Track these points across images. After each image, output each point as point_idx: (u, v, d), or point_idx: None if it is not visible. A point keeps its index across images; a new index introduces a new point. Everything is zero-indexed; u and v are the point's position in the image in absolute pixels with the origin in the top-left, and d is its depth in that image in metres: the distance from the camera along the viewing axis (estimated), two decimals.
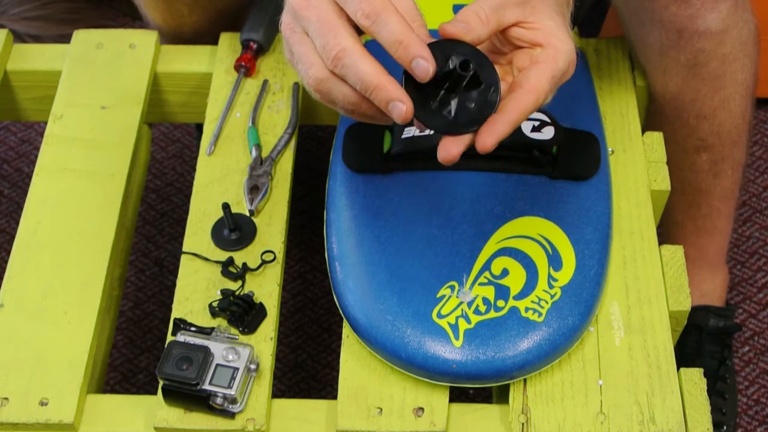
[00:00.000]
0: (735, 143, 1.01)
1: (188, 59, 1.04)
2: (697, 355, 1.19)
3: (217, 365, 0.76)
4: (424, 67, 0.60)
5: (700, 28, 0.88)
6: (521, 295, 0.78)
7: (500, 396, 0.83)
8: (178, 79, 1.04)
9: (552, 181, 0.85)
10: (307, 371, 1.27)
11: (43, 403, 0.79)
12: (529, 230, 0.81)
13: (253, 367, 0.77)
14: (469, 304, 0.77)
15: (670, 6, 0.86)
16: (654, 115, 1.00)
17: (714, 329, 1.20)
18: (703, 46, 0.89)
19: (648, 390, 0.77)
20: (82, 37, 1.04)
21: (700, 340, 1.20)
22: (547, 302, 0.78)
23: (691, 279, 0.86)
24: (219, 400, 0.75)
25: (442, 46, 0.63)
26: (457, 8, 0.98)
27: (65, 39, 1.05)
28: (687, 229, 1.11)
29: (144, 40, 1.04)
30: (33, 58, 1.05)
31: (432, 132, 0.86)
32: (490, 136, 0.63)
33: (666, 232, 1.14)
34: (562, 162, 0.85)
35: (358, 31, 0.64)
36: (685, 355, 0.86)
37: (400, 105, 0.61)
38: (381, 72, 0.61)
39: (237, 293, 0.83)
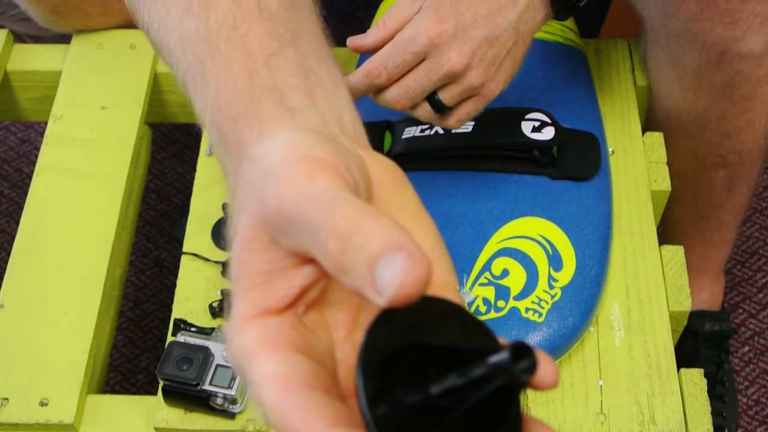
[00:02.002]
0: (754, 162, 1.01)
1: None
2: (694, 359, 1.19)
3: (218, 366, 0.76)
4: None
5: (743, 50, 0.86)
6: (521, 295, 0.78)
7: None
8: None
9: (552, 181, 0.85)
10: None
11: (43, 404, 0.79)
12: (530, 231, 0.81)
13: None
14: (470, 305, 0.77)
15: (716, 28, 0.84)
16: (675, 130, 0.98)
17: (710, 333, 1.20)
18: (741, 68, 0.88)
19: (648, 390, 0.77)
20: (82, 37, 1.04)
21: (697, 345, 1.20)
22: (547, 303, 0.78)
23: (691, 287, 0.85)
24: (219, 401, 0.75)
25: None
26: None
27: (65, 39, 1.05)
28: (694, 240, 1.11)
29: (144, 40, 1.03)
30: (33, 58, 1.05)
31: (433, 132, 0.86)
32: None
33: (671, 241, 1.13)
34: (562, 162, 0.85)
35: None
36: (682, 361, 0.86)
37: None
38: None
39: None
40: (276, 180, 0.37)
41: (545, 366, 0.36)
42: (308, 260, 0.37)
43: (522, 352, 0.32)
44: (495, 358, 0.33)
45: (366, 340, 0.34)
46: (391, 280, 0.33)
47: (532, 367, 0.33)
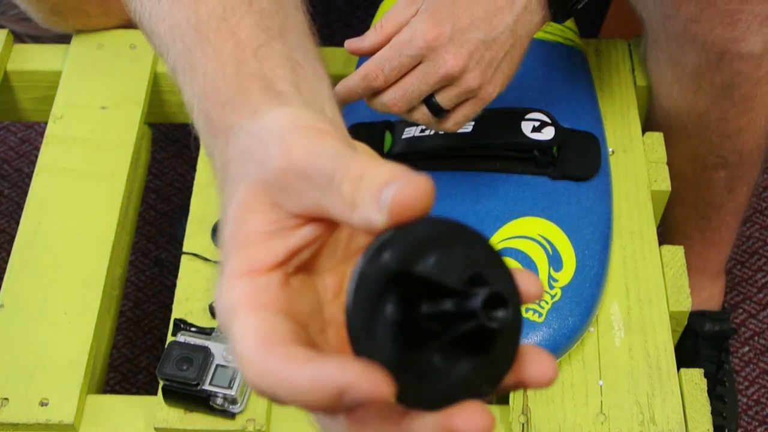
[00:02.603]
0: (755, 162, 1.01)
1: None
2: (694, 360, 1.19)
3: (218, 365, 0.76)
4: (360, 392, 0.33)
5: (742, 50, 0.86)
6: None
7: (500, 396, 0.83)
8: None
9: (552, 181, 0.85)
10: None
11: (43, 404, 0.79)
12: (530, 231, 0.81)
13: None
14: None
15: (716, 29, 0.85)
16: (675, 130, 0.98)
17: (710, 333, 1.20)
18: (741, 68, 0.88)
19: (648, 390, 0.77)
20: (82, 37, 1.04)
21: (697, 345, 1.20)
22: (547, 302, 0.78)
23: (692, 288, 0.85)
24: (219, 401, 0.75)
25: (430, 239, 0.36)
26: None
27: (65, 39, 1.05)
28: (694, 240, 1.11)
29: (144, 40, 1.03)
30: (33, 58, 1.05)
31: (433, 132, 0.86)
32: None
33: (671, 242, 1.13)
34: (562, 162, 0.85)
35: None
36: (682, 361, 0.86)
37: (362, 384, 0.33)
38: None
39: None
40: (280, 144, 0.38)
41: (543, 363, 0.37)
42: (307, 221, 0.38)
43: (498, 301, 0.33)
44: (468, 303, 0.33)
45: (362, 259, 0.35)
46: (390, 193, 0.34)
47: (505, 319, 0.33)
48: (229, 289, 0.37)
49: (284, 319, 0.37)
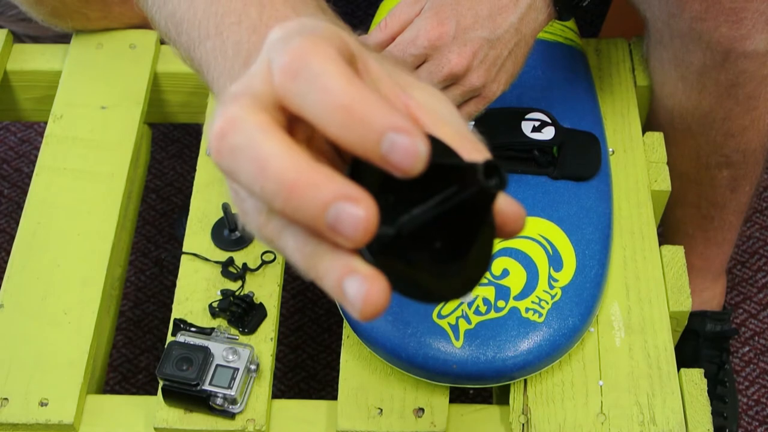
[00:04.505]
0: (758, 161, 1.00)
1: None
2: (695, 360, 1.19)
3: (217, 366, 0.76)
4: (408, 146, 0.34)
5: (747, 49, 0.86)
6: (522, 295, 0.78)
7: (500, 396, 0.83)
8: (178, 79, 1.04)
9: (552, 181, 0.85)
10: (307, 371, 1.27)
11: (43, 404, 0.79)
12: (530, 230, 0.81)
13: (253, 367, 0.77)
14: (470, 305, 0.77)
15: (721, 27, 0.84)
16: (678, 130, 0.98)
17: (711, 334, 1.20)
18: (746, 67, 0.88)
19: (648, 390, 0.77)
20: (82, 37, 1.04)
21: (698, 345, 1.20)
22: (547, 302, 0.78)
23: (693, 288, 0.85)
24: (219, 401, 0.75)
25: None
26: None
27: (65, 39, 1.05)
28: (696, 240, 1.11)
29: (144, 40, 1.04)
30: (33, 58, 1.05)
31: None
32: None
33: (673, 242, 1.13)
34: (562, 162, 0.85)
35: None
36: (682, 361, 0.86)
37: (352, 209, 0.33)
38: (300, 158, 0.34)
39: (237, 293, 0.83)
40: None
41: (510, 204, 0.39)
42: None
43: (492, 170, 0.35)
44: (467, 173, 0.35)
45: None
46: None
47: (502, 183, 0.35)
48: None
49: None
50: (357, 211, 0.33)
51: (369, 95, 0.34)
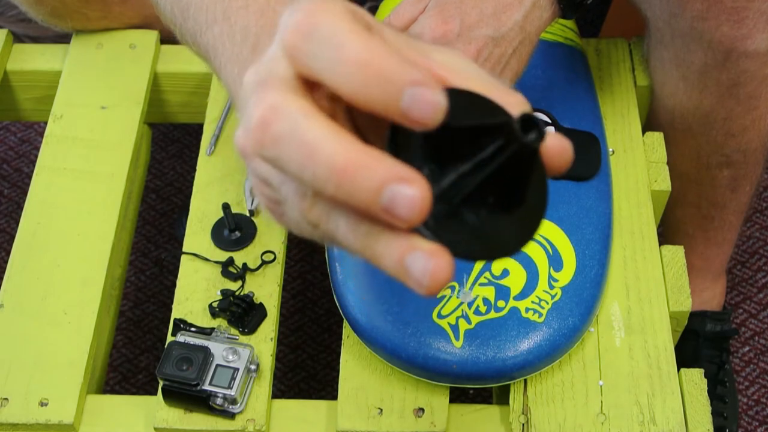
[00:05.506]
0: (758, 161, 1.00)
1: (188, 59, 1.04)
2: (695, 360, 1.19)
3: (217, 365, 0.76)
4: (429, 98, 0.34)
5: (749, 48, 0.86)
6: (522, 295, 0.78)
7: (500, 396, 0.83)
8: (178, 79, 1.04)
9: (552, 181, 0.85)
10: (307, 371, 1.27)
11: (43, 404, 0.79)
12: None
13: (253, 367, 0.77)
14: (470, 305, 0.77)
15: (722, 27, 0.84)
16: (678, 130, 0.98)
17: (711, 334, 1.20)
18: (747, 66, 0.88)
19: (648, 390, 0.77)
20: (81, 37, 1.04)
21: (698, 345, 1.20)
22: (547, 302, 0.78)
23: (693, 288, 0.85)
24: (219, 401, 0.75)
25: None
26: None
27: (65, 39, 1.05)
28: (697, 240, 1.11)
29: (144, 40, 1.04)
30: (33, 58, 1.05)
31: None
32: None
33: (673, 242, 1.13)
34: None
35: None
36: (682, 361, 0.86)
37: (406, 189, 0.33)
38: (348, 141, 0.34)
39: (237, 293, 0.83)
40: None
41: (553, 138, 0.39)
42: None
43: (530, 124, 0.35)
44: (506, 130, 0.35)
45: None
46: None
47: (540, 136, 0.35)
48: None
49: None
50: (411, 191, 0.33)
51: (384, 50, 0.34)
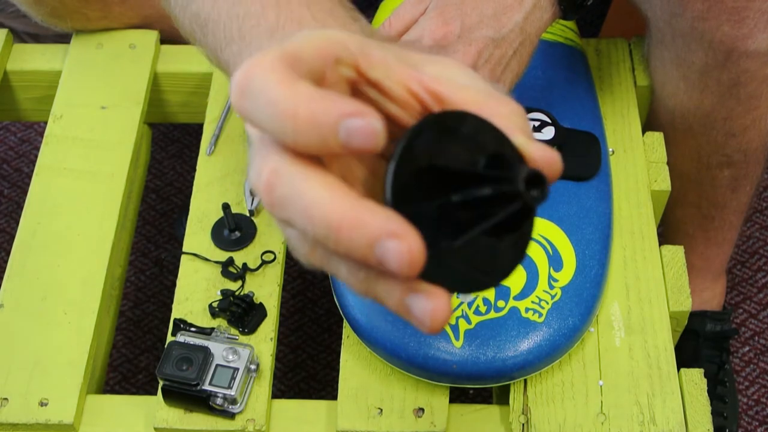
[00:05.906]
0: (759, 161, 1.00)
1: (188, 59, 1.04)
2: (695, 360, 1.19)
3: (217, 365, 0.76)
4: (365, 126, 0.34)
5: (750, 48, 0.85)
6: (521, 295, 0.78)
7: (500, 396, 0.83)
8: (178, 79, 1.04)
9: None
10: (307, 371, 1.27)
11: (42, 404, 0.79)
12: None
13: (253, 367, 0.77)
14: (470, 305, 0.77)
15: (723, 26, 0.84)
16: (679, 130, 0.98)
17: (711, 334, 1.20)
18: (748, 66, 0.88)
19: (648, 390, 0.77)
20: (81, 37, 1.04)
21: (698, 345, 1.20)
22: (547, 302, 0.78)
23: (693, 287, 0.85)
24: (219, 401, 0.75)
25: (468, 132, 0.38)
26: None
27: (65, 39, 1.05)
28: (697, 240, 1.11)
29: (144, 40, 1.04)
30: (33, 58, 1.05)
31: None
32: None
33: (673, 242, 1.13)
34: (562, 162, 0.85)
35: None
36: (683, 361, 0.86)
37: (397, 245, 0.34)
38: (343, 197, 0.35)
39: (237, 293, 0.83)
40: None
41: (545, 150, 0.40)
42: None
43: (536, 180, 0.36)
44: (508, 186, 0.36)
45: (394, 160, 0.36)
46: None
47: (543, 194, 0.36)
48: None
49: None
50: (402, 247, 0.34)
51: (310, 94, 0.35)
